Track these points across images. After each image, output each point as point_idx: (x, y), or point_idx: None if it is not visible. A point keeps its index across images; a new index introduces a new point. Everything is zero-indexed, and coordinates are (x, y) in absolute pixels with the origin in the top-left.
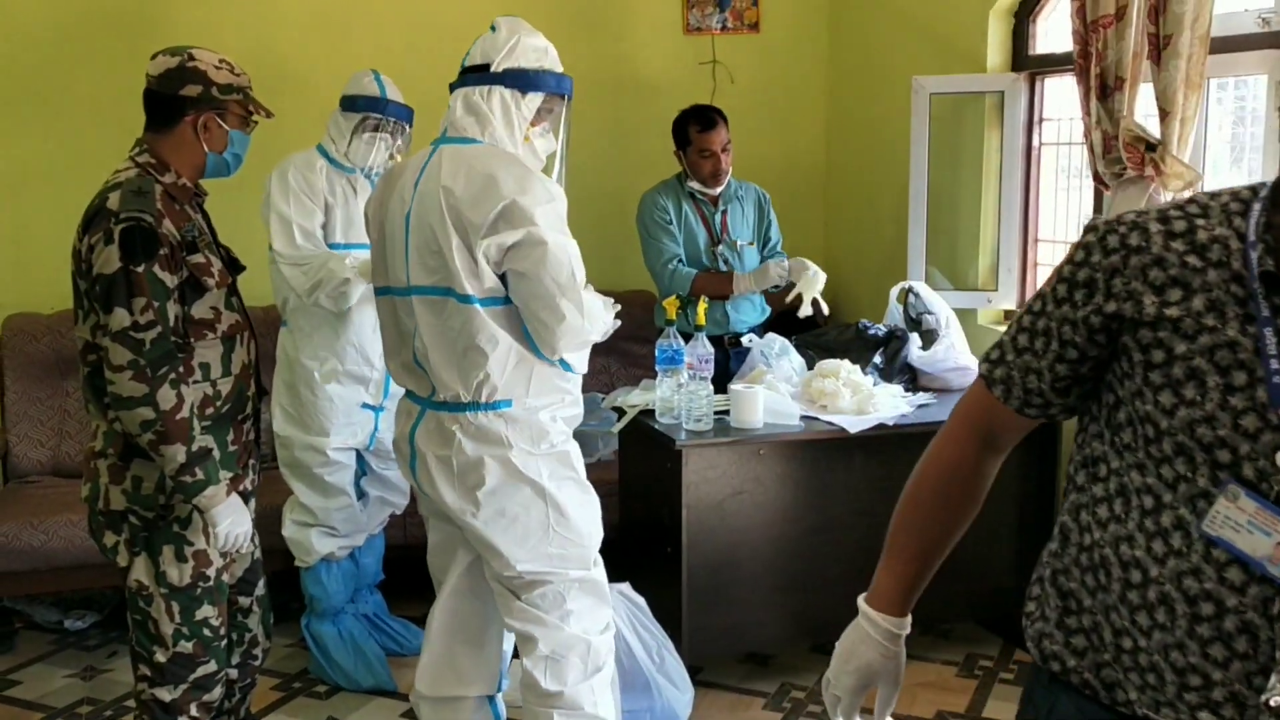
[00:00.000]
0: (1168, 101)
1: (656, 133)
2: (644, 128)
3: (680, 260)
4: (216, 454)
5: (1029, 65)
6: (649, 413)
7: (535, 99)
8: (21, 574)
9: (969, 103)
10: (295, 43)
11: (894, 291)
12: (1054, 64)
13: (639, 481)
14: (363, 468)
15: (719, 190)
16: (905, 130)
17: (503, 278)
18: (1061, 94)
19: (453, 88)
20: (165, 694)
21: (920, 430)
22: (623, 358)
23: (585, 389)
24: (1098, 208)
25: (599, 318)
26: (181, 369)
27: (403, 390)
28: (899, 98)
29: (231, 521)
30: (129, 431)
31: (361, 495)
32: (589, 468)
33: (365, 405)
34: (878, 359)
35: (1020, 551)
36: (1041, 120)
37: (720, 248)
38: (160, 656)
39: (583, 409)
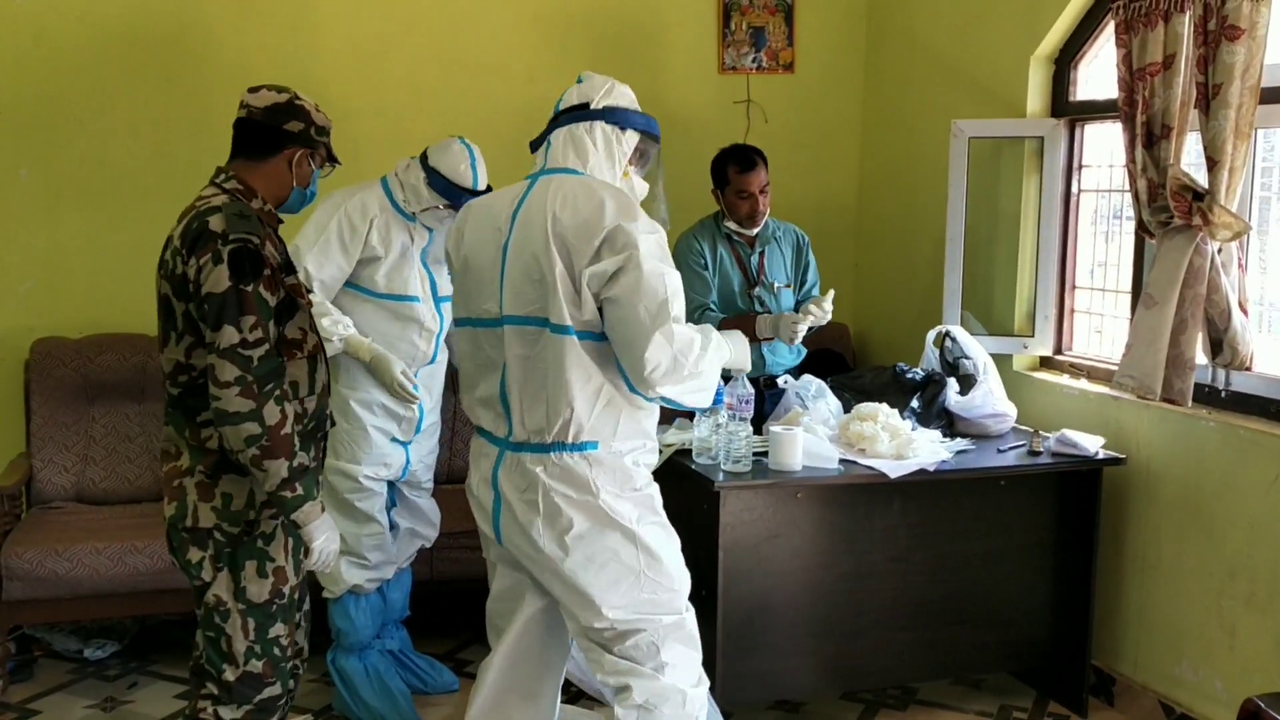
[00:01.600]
0: (1216, 151)
1: (690, 171)
2: (678, 166)
3: (709, 307)
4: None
5: (1069, 111)
6: (685, 452)
7: (633, 137)
8: (43, 601)
9: (1007, 147)
10: (332, 72)
11: (930, 335)
12: (1095, 110)
13: (673, 522)
14: (392, 499)
15: (756, 231)
16: (941, 174)
17: (600, 311)
18: (1101, 141)
19: (548, 130)
20: (228, 713)
21: (959, 477)
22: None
23: None
24: (1139, 256)
25: (695, 353)
26: (286, 386)
27: (437, 427)
28: (935, 141)
29: (326, 538)
30: (232, 447)
31: (392, 527)
32: None
33: (395, 440)
34: (915, 403)
35: (1055, 602)
36: (1081, 166)
37: (756, 290)
38: (229, 675)
39: (658, 457)
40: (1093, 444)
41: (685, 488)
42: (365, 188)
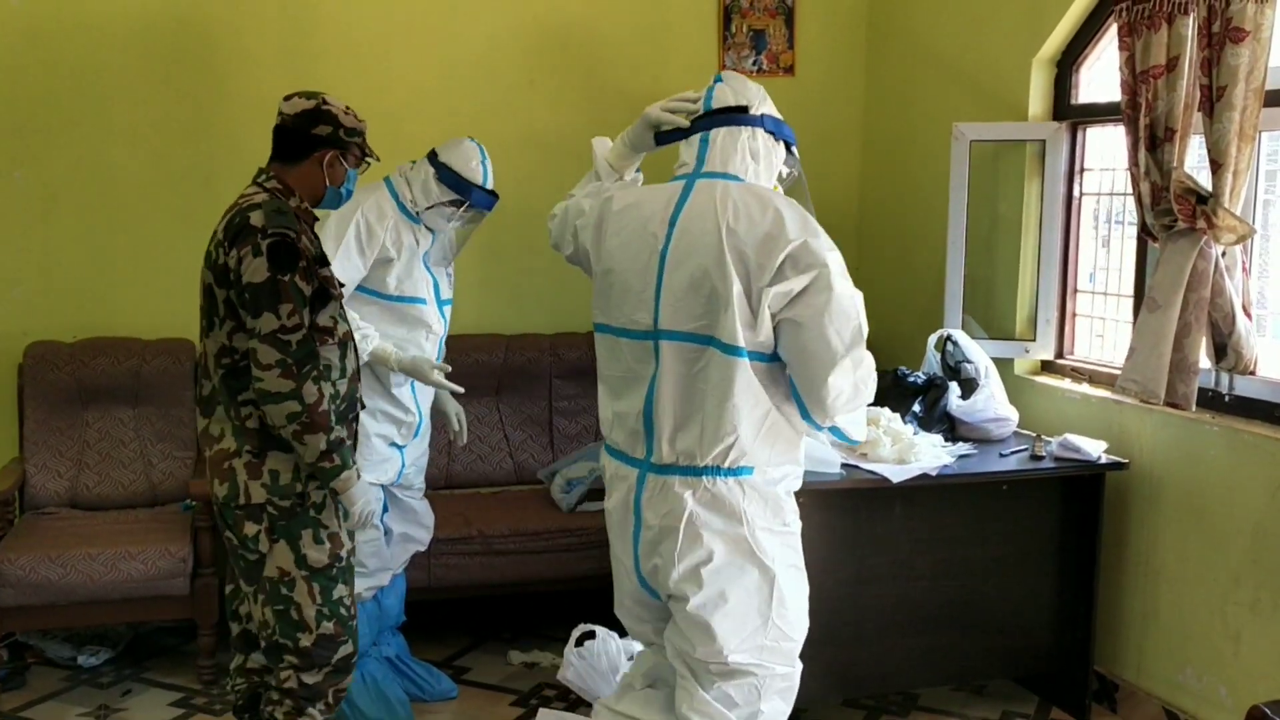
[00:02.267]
0: (1220, 154)
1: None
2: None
3: None
4: (349, 442)
5: (1071, 114)
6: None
7: (782, 149)
8: (36, 608)
9: (1009, 151)
10: (331, 74)
11: (932, 339)
12: (1097, 114)
13: None
14: (385, 504)
15: None
16: (942, 177)
17: (775, 331)
18: (1102, 144)
19: (699, 126)
20: (310, 677)
21: (961, 482)
22: None
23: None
24: (1140, 260)
25: (873, 380)
26: (321, 368)
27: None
28: (936, 144)
29: (364, 502)
30: (274, 424)
31: (385, 533)
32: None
33: (393, 444)
34: (917, 407)
35: (1058, 607)
36: (1083, 170)
37: None
38: (305, 641)
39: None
40: (1095, 448)
41: None
42: (374, 190)
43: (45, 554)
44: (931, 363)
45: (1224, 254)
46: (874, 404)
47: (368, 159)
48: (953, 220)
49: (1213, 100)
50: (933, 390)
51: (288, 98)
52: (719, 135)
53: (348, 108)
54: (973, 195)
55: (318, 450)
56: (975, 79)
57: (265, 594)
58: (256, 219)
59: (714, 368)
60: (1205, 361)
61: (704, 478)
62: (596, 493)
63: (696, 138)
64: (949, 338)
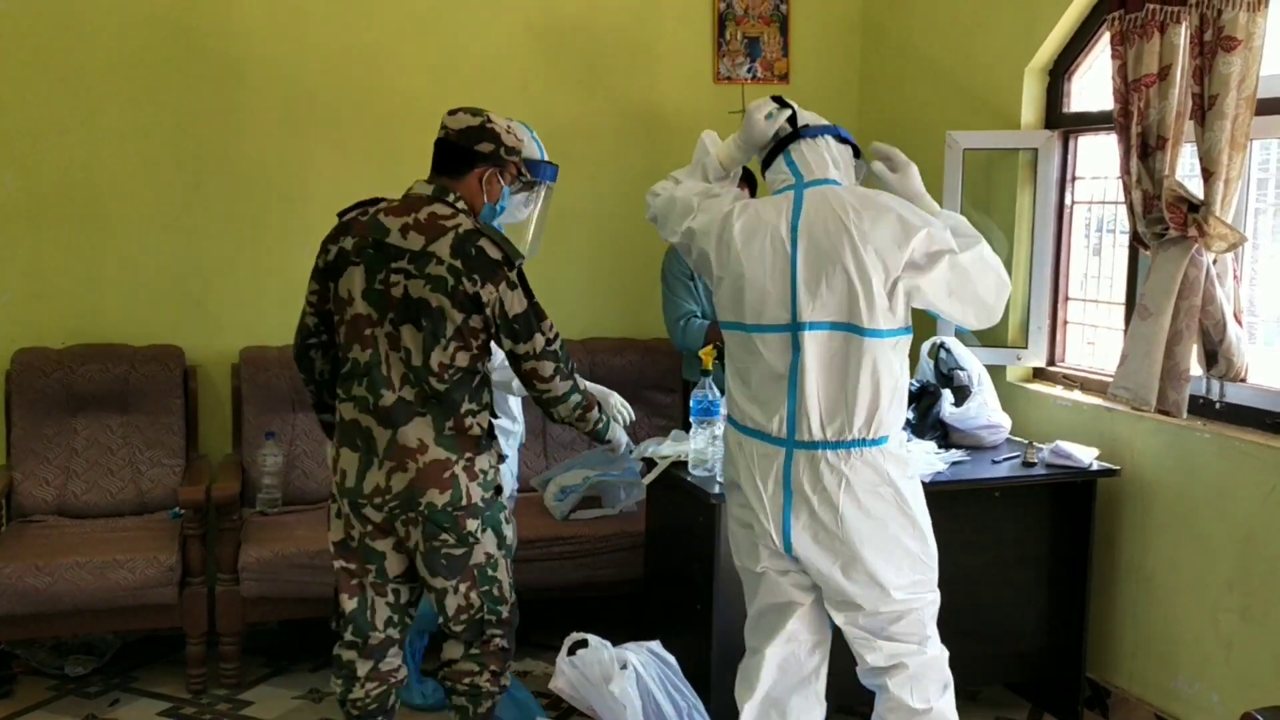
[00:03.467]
0: (1212, 162)
1: None
2: None
3: (696, 315)
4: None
5: (1063, 123)
6: (680, 464)
7: (849, 150)
8: (23, 618)
9: (1001, 159)
10: (321, 80)
11: (925, 346)
12: (1089, 122)
13: (667, 535)
14: None
15: None
16: (936, 185)
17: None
18: (1094, 153)
19: (779, 147)
20: (508, 641)
21: (954, 489)
22: (648, 407)
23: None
24: (1132, 268)
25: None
26: None
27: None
28: (930, 152)
29: (622, 432)
30: (563, 418)
31: None
32: (611, 519)
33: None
34: (910, 414)
35: (1050, 614)
36: (1074, 178)
37: None
38: (506, 612)
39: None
40: (1087, 455)
41: (680, 501)
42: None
43: (32, 562)
44: (925, 370)
45: (1215, 261)
46: None
47: (521, 178)
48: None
49: (1204, 109)
50: (926, 397)
51: (452, 112)
52: (801, 148)
53: (509, 125)
54: (965, 203)
55: (595, 419)
56: (968, 87)
57: (472, 580)
58: (492, 251)
59: (856, 351)
60: (1196, 369)
61: (853, 449)
62: (591, 500)
63: (781, 158)
64: (942, 345)
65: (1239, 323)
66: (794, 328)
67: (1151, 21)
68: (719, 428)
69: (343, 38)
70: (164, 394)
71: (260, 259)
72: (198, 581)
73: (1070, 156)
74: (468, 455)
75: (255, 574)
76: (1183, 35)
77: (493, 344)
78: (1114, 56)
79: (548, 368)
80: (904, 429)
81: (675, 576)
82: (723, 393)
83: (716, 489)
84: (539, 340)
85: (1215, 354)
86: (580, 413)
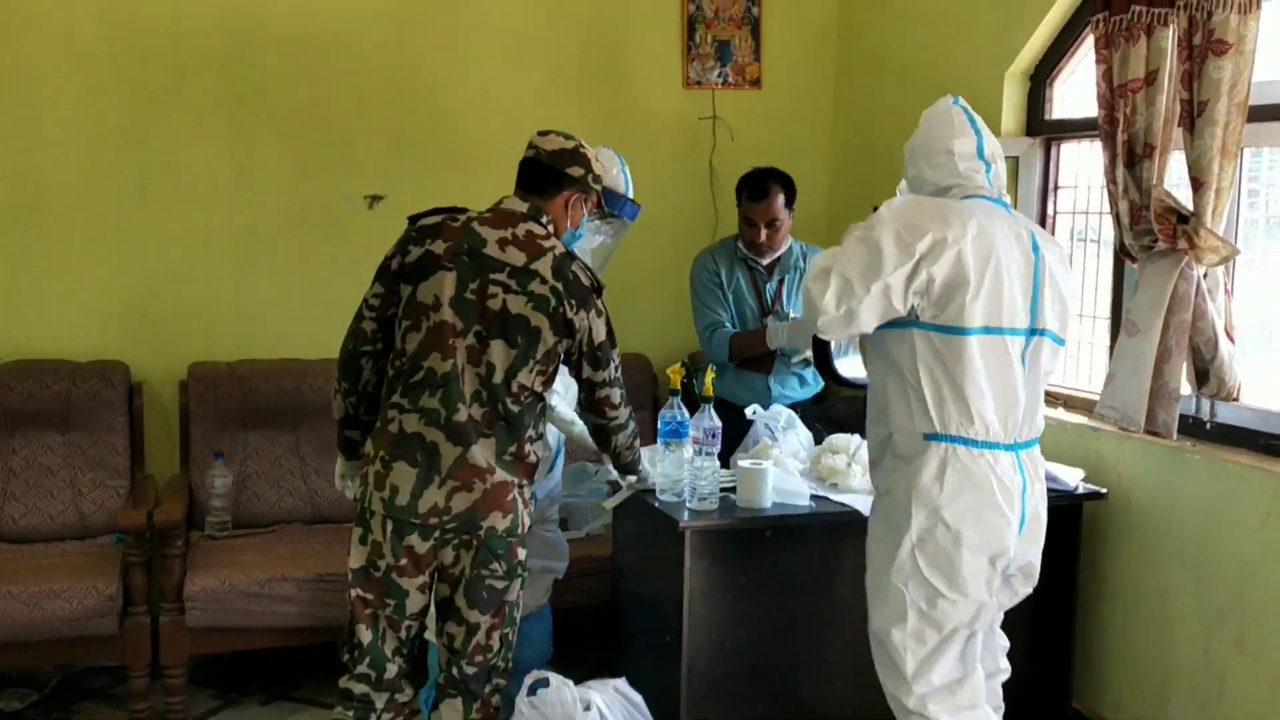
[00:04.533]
0: (1202, 171)
1: (656, 188)
2: (643, 183)
3: (723, 325)
4: None
5: (1045, 130)
6: (649, 489)
7: None
8: None
9: None
10: (274, 85)
11: None
12: (1071, 129)
13: (634, 562)
14: None
15: (774, 258)
16: None
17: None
18: (1077, 161)
19: (988, 161)
20: (501, 699)
21: None
22: None
23: (574, 458)
24: (1118, 280)
25: None
26: None
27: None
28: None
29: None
30: (619, 446)
31: None
32: (578, 542)
33: None
34: None
35: (1035, 642)
36: (1057, 187)
37: (769, 319)
38: (510, 663)
39: None
40: (1073, 477)
41: (647, 527)
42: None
43: None
44: None
45: (1205, 275)
46: (845, 430)
47: (600, 208)
48: None
49: (1194, 115)
50: None
51: (543, 133)
52: (995, 170)
53: (598, 155)
54: None
55: (638, 454)
56: (947, 92)
57: (501, 618)
58: (584, 277)
59: (1051, 357)
60: (1186, 387)
61: (1036, 446)
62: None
63: (981, 165)
64: None
65: (1231, 339)
66: (1029, 333)
67: (1138, 24)
68: (688, 451)
69: (295, 42)
70: (107, 412)
71: (210, 271)
72: (140, 611)
73: (1053, 164)
74: (524, 482)
75: (202, 603)
76: (1170, 38)
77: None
78: (1099, 61)
79: (616, 395)
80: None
81: (643, 606)
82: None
83: (685, 515)
84: (612, 369)
85: (1207, 372)
86: (633, 441)
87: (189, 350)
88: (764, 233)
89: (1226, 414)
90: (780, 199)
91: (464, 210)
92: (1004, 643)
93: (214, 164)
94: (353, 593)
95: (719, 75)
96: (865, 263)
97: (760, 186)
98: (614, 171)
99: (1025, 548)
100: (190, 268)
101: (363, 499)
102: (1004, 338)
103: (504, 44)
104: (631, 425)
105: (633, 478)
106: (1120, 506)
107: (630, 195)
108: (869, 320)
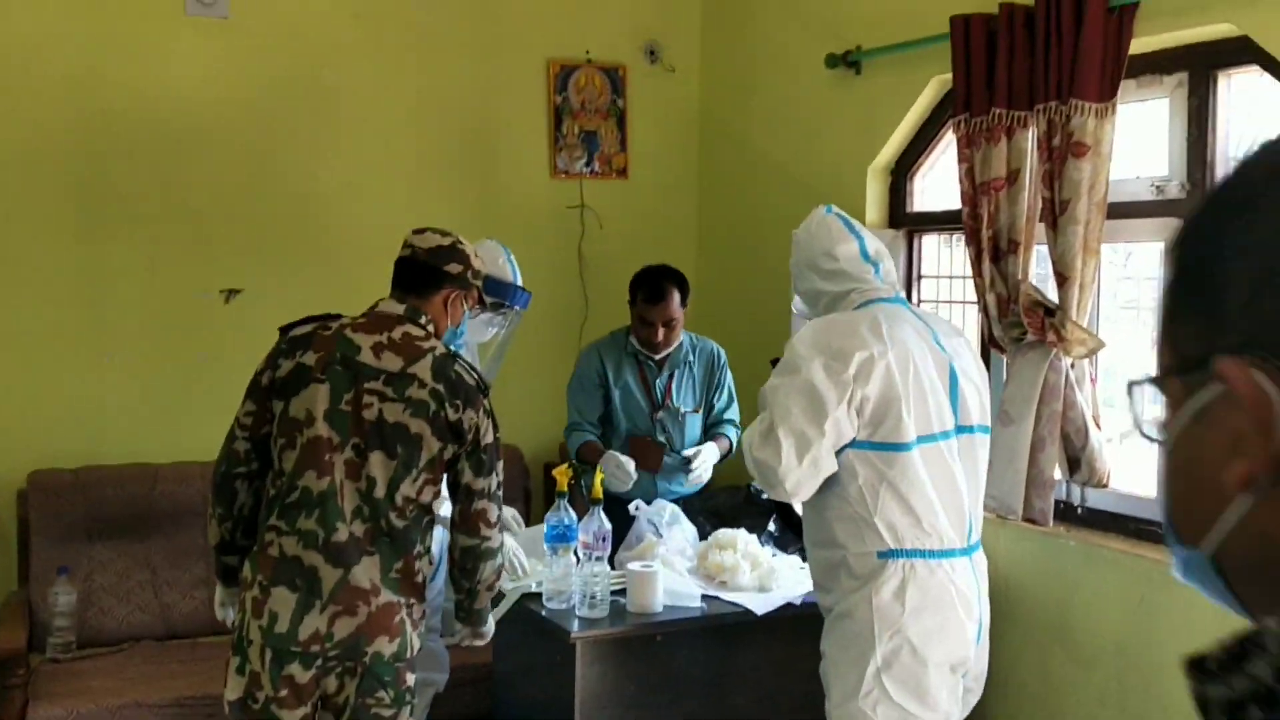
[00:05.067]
0: (1066, 266)
1: (526, 276)
2: None
3: (582, 427)
4: None
5: (907, 222)
6: (532, 595)
7: None
8: None
9: None
10: (126, 173)
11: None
12: (932, 221)
13: (518, 670)
14: None
15: (664, 354)
16: (783, 283)
17: None
18: (938, 252)
19: (874, 260)
20: None
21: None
22: None
23: None
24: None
25: None
26: None
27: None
28: (775, 249)
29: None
30: (484, 579)
31: None
32: (453, 649)
33: None
34: (771, 526)
35: None
36: (920, 277)
37: (660, 414)
38: None
39: None
40: None
41: (531, 634)
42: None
43: None
44: None
45: (1073, 366)
46: (728, 522)
47: (482, 303)
48: (797, 328)
49: (1056, 213)
50: (784, 506)
51: (418, 231)
52: (888, 270)
53: (476, 251)
54: None
55: (495, 592)
56: (812, 185)
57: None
58: (469, 376)
59: (982, 449)
60: (1058, 474)
61: (980, 548)
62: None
63: (869, 266)
64: None
65: (1098, 426)
66: (958, 431)
67: (998, 126)
68: (576, 555)
69: (148, 131)
70: None
71: (52, 371)
72: None
73: (915, 255)
74: (411, 601)
75: None
76: (1030, 139)
77: None
78: (961, 160)
79: (494, 513)
80: (766, 542)
81: (529, 716)
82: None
83: (576, 625)
84: (494, 480)
85: (1078, 460)
86: (496, 578)
87: (28, 457)
88: (661, 332)
89: (1097, 499)
90: (676, 298)
91: (337, 317)
92: None
93: (59, 256)
94: None
95: (586, 165)
96: (807, 408)
97: (657, 288)
98: (500, 261)
99: (979, 654)
100: (31, 367)
101: (240, 627)
102: (939, 444)
103: (369, 135)
104: (500, 558)
105: (472, 638)
106: (999, 594)
107: (519, 283)
108: (830, 462)
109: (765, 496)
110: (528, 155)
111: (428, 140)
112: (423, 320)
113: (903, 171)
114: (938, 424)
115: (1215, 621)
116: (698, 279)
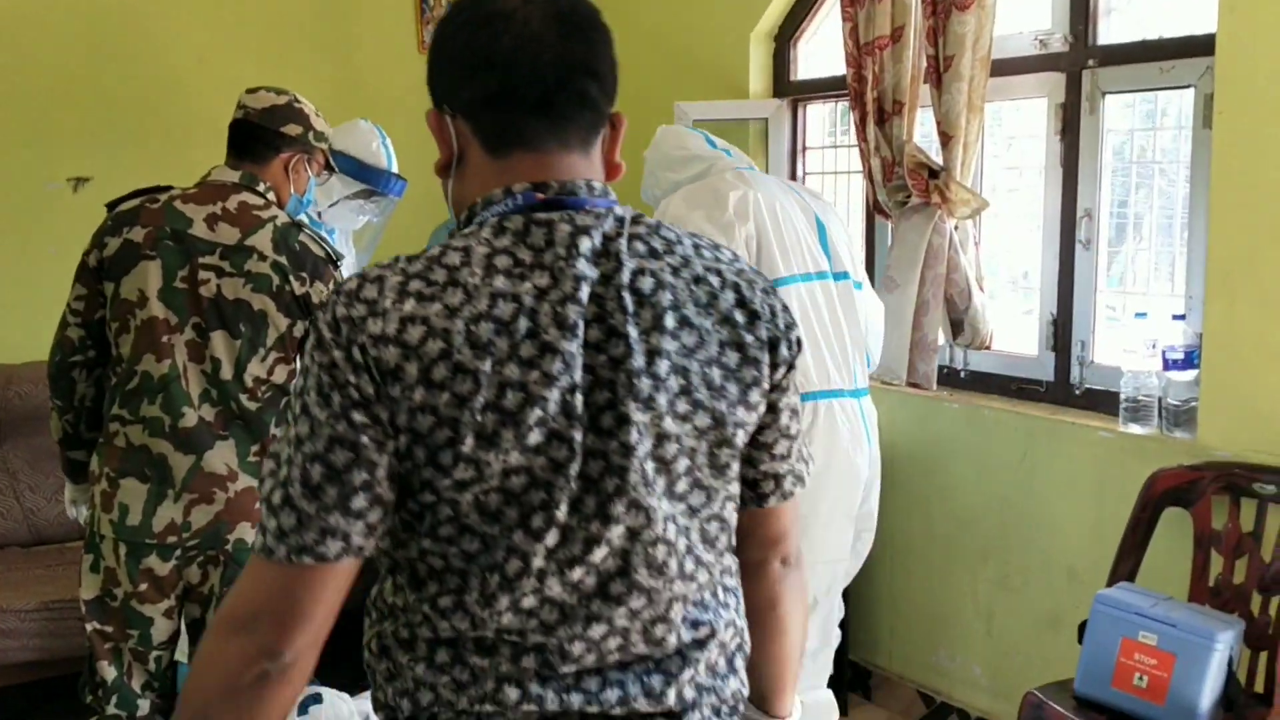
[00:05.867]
0: (950, 125)
1: (398, 160)
2: None
3: None
4: None
5: (791, 91)
6: None
7: None
8: None
9: (732, 130)
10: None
11: None
12: (817, 89)
13: None
14: None
15: None
16: None
17: None
18: (822, 122)
19: (724, 150)
20: None
21: None
22: None
23: None
24: (869, 237)
25: None
26: None
27: None
28: (659, 123)
29: None
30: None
31: None
32: None
33: None
34: None
35: None
36: (805, 149)
37: None
38: None
39: None
40: None
41: None
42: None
43: None
44: None
45: (957, 228)
46: None
47: (329, 169)
48: None
49: (940, 71)
50: None
51: (251, 91)
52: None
53: (317, 110)
54: None
55: None
56: (695, 56)
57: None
58: (315, 247)
59: (856, 299)
60: (942, 338)
61: (868, 394)
62: None
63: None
64: None
65: (982, 289)
66: (835, 277)
67: None
68: None
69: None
70: None
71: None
72: None
73: (800, 125)
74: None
75: None
76: None
77: None
78: (844, 19)
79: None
80: None
81: None
82: None
83: None
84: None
85: (961, 323)
86: None
87: None
88: None
89: (980, 362)
90: None
91: (167, 189)
92: (839, 614)
93: None
94: (89, 626)
95: None
96: None
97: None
98: (373, 146)
99: (868, 497)
100: None
101: (91, 522)
102: (814, 283)
103: (217, 7)
104: None
105: None
106: (886, 458)
107: (395, 169)
108: None
109: None
110: (393, 29)
111: (281, 12)
112: (261, 188)
113: (786, 37)
114: (812, 264)
115: (1095, 475)
116: None
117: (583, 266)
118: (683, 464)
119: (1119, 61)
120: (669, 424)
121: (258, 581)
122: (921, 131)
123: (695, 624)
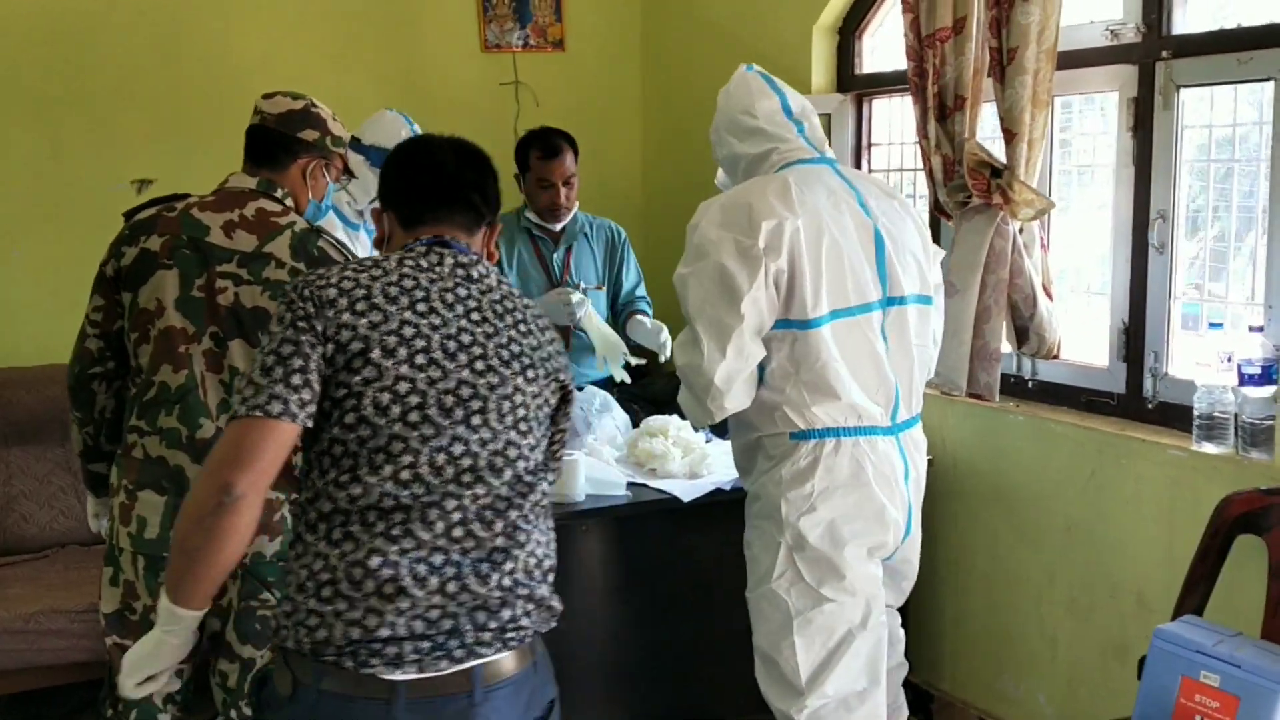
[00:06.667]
0: (1014, 122)
1: None
2: None
3: None
4: None
5: (856, 85)
6: None
7: None
8: None
9: None
10: (23, 55)
11: None
12: (881, 84)
13: None
14: None
15: (561, 226)
16: None
17: None
18: (888, 117)
19: (798, 120)
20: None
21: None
22: None
23: None
24: (934, 238)
25: None
26: None
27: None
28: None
29: None
30: None
31: None
32: None
33: None
34: None
35: None
36: (870, 145)
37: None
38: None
39: None
40: None
41: None
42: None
43: None
44: None
45: (1021, 230)
46: (666, 409)
47: (348, 175)
48: None
49: (1003, 64)
50: None
51: (268, 96)
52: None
53: (334, 114)
54: None
55: None
56: (756, 50)
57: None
58: (334, 254)
59: (912, 322)
60: (1006, 346)
61: (918, 426)
62: None
63: (791, 125)
64: None
65: (1049, 295)
66: (886, 303)
67: None
68: None
69: (44, 10)
70: None
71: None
72: None
73: (865, 121)
74: (292, 495)
75: None
76: None
77: None
78: (905, 10)
79: None
80: (702, 429)
81: None
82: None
83: None
84: None
85: (1026, 330)
86: None
87: None
88: (563, 192)
89: (1047, 371)
90: (570, 155)
91: (184, 197)
92: (887, 657)
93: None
94: (109, 640)
95: (519, 38)
96: (721, 294)
97: (551, 144)
98: (403, 134)
99: (910, 540)
100: None
101: (110, 535)
102: (856, 318)
103: (284, 6)
104: None
105: None
106: (947, 472)
107: None
108: (758, 348)
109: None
110: (456, 28)
111: (347, 11)
112: (279, 194)
113: (850, 30)
114: (856, 297)
115: (1165, 497)
116: (643, 157)
117: (459, 273)
118: (520, 408)
119: (1194, 53)
120: (513, 377)
121: (224, 438)
122: (989, 128)
123: (515, 528)
